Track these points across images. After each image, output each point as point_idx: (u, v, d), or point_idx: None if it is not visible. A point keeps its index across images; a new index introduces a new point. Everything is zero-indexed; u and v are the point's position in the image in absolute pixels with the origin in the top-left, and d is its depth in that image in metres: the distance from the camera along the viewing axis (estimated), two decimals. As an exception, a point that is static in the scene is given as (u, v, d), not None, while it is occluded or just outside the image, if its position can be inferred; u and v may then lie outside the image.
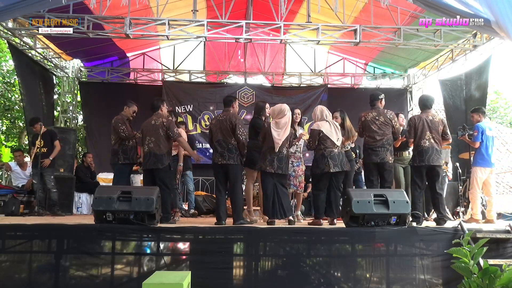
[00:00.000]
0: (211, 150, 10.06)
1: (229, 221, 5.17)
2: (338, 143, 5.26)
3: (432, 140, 5.23)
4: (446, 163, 7.06)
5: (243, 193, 5.74)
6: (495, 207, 5.98)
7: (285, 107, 5.31)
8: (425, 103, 5.47)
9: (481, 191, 6.01)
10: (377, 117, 5.45)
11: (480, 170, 5.86)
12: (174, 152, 6.04)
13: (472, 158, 6.11)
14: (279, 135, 5.09)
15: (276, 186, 5.12)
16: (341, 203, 5.33)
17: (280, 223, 5.25)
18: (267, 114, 5.72)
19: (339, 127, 5.44)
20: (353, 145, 7.01)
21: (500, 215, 7.18)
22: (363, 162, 5.99)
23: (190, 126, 10.11)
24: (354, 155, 7.10)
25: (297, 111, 6.08)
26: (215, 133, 5.30)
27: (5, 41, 9.14)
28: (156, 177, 5.29)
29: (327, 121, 5.33)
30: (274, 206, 5.07)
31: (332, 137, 5.21)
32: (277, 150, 5.09)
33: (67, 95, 10.63)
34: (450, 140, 5.48)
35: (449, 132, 5.38)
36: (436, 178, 5.26)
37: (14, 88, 13.59)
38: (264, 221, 5.62)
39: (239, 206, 5.26)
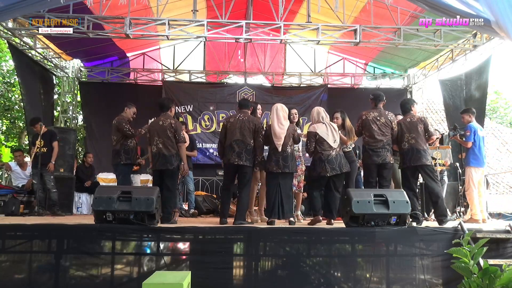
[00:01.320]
0: (211, 150, 10.32)
1: (229, 221, 5.17)
2: (335, 145, 5.23)
3: (412, 141, 5.26)
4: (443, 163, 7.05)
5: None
6: (485, 207, 6.05)
7: (274, 106, 5.35)
8: (403, 109, 5.58)
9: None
10: (378, 118, 5.42)
11: (475, 170, 5.88)
12: None
13: (463, 158, 6.14)
14: (277, 138, 5.15)
15: (279, 187, 5.12)
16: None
17: (280, 223, 5.25)
18: (259, 116, 5.74)
19: (336, 128, 5.40)
20: (353, 146, 7.01)
21: (500, 215, 7.18)
22: (362, 163, 5.96)
23: (190, 126, 10.10)
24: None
25: (294, 111, 5.97)
26: (233, 132, 5.22)
27: (5, 41, 9.14)
28: (164, 178, 5.27)
29: (323, 123, 5.32)
30: (274, 207, 5.08)
31: (328, 139, 5.20)
32: (280, 150, 5.12)
33: (67, 95, 10.63)
34: (433, 137, 5.41)
35: (430, 130, 5.31)
36: (426, 177, 5.25)
37: (14, 88, 13.62)
38: (262, 221, 5.62)
39: (244, 206, 5.28)
